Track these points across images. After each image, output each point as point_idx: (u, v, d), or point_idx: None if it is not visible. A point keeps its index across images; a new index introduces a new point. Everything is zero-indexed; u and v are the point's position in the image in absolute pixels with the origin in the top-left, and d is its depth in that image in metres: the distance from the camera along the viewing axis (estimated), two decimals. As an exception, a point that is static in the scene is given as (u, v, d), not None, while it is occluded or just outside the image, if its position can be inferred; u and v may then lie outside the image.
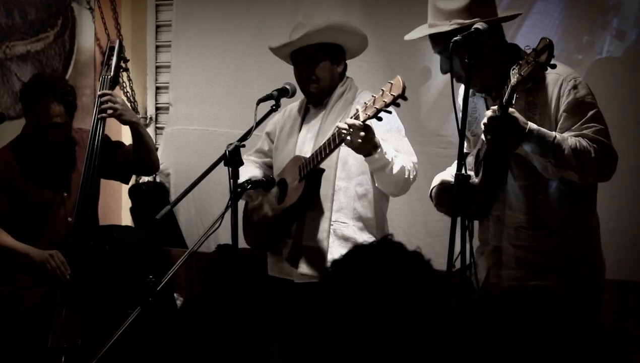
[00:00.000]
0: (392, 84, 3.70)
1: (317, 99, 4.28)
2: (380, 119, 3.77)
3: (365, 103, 3.79)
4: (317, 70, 4.21)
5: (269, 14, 6.01)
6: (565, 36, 4.98)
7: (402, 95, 3.67)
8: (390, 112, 3.78)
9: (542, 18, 4.92)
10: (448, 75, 3.49)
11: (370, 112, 3.75)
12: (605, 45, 4.96)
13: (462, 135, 3.26)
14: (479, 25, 3.32)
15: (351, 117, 3.82)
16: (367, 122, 3.78)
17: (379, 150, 3.88)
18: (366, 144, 3.83)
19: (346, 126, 3.78)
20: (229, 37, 6.19)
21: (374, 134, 3.84)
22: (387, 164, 3.94)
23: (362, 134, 3.77)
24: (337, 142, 3.89)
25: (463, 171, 3.29)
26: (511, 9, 3.74)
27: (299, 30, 4.22)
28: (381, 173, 3.99)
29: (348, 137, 3.79)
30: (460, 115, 3.27)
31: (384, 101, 3.71)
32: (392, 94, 3.68)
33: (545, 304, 1.81)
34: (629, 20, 4.91)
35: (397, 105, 3.72)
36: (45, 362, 4.27)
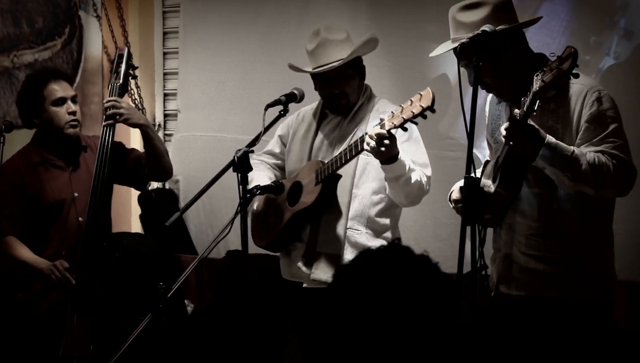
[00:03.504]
0: (421, 95, 3.65)
1: (346, 111, 4.25)
2: (405, 130, 3.74)
3: (392, 112, 3.76)
4: (348, 87, 4.19)
5: (275, 19, 6.02)
6: (572, 37, 4.96)
7: (430, 107, 3.61)
8: (416, 123, 3.75)
9: (549, 19, 4.90)
10: (457, 78, 3.48)
11: (396, 122, 3.72)
12: (612, 45, 4.95)
13: (470, 138, 3.25)
14: (486, 27, 3.32)
15: (377, 125, 3.80)
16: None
17: (398, 159, 3.88)
18: (387, 152, 3.81)
19: (374, 136, 3.76)
20: (236, 43, 6.19)
21: (396, 143, 3.82)
22: (402, 175, 3.93)
23: (386, 142, 3.76)
24: (360, 150, 3.89)
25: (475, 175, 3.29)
26: (518, 10, 3.74)
27: (328, 46, 4.17)
28: (395, 183, 3.98)
29: (372, 143, 3.77)
30: (468, 117, 3.26)
31: (411, 112, 3.66)
32: (420, 105, 3.63)
33: (552, 313, 1.80)
34: (637, 21, 4.89)
35: (425, 117, 3.68)
36: (57, 370, 4.28)
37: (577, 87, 3.44)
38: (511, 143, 3.34)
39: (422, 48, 5.34)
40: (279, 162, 4.50)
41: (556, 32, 4.94)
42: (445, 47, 3.61)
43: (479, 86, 3.35)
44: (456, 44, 3.51)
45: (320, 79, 4.24)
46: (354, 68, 4.20)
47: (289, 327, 4.23)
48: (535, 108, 3.23)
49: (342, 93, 4.19)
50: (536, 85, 3.21)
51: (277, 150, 4.50)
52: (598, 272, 3.53)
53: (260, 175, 4.30)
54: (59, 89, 4.50)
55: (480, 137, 4.38)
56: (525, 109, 3.25)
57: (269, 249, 4.43)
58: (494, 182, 3.57)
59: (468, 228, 3.28)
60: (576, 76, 3.22)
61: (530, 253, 3.55)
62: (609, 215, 3.59)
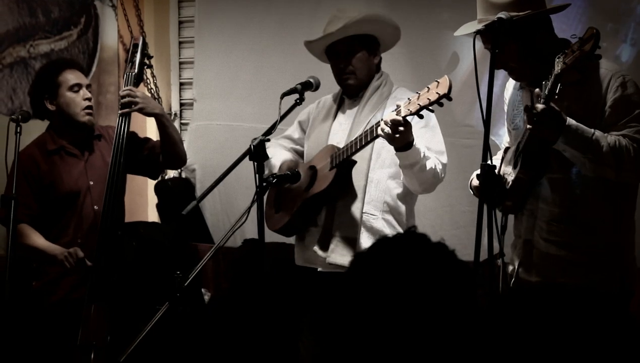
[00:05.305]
0: (438, 82, 3.66)
1: (354, 90, 4.27)
2: (421, 117, 3.74)
3: (408, 98, 3.76)
4: (355, 62, 4.21)
5: (290, 7, 6.01)
6: (588, 24, 4.92)
7: (447, 95, 3.62)
8: (432, 111, 3.75)
9: (565, 6, 4.89)
10: (472, 64, 3.47)
11: (412, 108, 3.72)
12: (629, 32, 4.92)
13: (487, 126, 3.24)
14: (502, 14, 3.30)
15: (392, 111, 3.80)
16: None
17: (413, 146, 3.88)
18: (402, 139, 3.82)
19: (389, 123, 3.76)
20: (251, 31, 6.19)
21: (411, 129, 3.82)
22: (416, 163, 3.93)
23: (401, 128, 3.76)
24: (375, 135, 3.89)
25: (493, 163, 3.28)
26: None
27: (335, 23, 4.21)
28: (409, 170, 3.98)
29: (387, 130, 3.77)
30: (485, 104, 3.25)
31: (428, 99, 3.67)
32: (437, 92, 3.64)
33: (569, 299, 1.80)
34: (654, 7, 4.87)
35: (441, 104, 3.68)
36: (74, 359, 4.30)
37: (601, 71, 3.42)
38: (532, 126, 3.32)
39: (437, 36, 5.33)
40: (296, 147, 4.52)
41: (572, 19, 4.91)
42: (470, 28, 3.60)
43: (498, 70, 3.35)
44: (479, 26, 3.49)
45: (331, 55, 4.27)
46: (363, 45, 4.22)
47: (304, 316, 4.23)
48: (557, 92, 3.21)
49: (347, 66, 4.21)
50: (558, 67, 3.20)
51: (295, 135, 4.52)
52: (618, 260, 3.52)
53: (279, 152, 4.36)
54: (74, 76, 4.53)
55: (497, 125, 4.37)
56: (546, 92, 3.23)
57: (281, 233, 4.43)
58: (514, 168, 3.56)
59: (485, 216, 3.27)
60: (598, 58, 3.20)
61: (551, 239, 3.54)
62: (631, 203, 3.58)
